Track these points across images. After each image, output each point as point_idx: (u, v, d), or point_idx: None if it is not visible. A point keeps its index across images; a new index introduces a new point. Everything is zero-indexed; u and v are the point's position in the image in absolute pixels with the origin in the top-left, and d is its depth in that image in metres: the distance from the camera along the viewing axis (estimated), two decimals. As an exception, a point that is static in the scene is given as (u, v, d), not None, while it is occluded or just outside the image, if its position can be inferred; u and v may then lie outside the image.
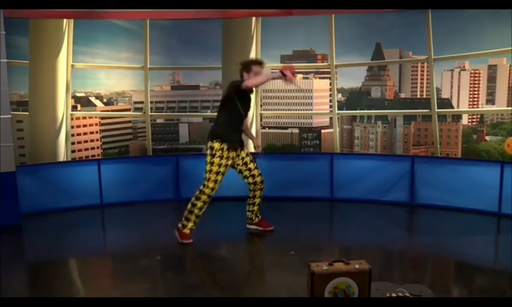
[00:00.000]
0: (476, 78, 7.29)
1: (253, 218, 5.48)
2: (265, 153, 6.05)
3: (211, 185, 4.92)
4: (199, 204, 4.98)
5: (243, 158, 5.20)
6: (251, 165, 5.24)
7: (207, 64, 7.75)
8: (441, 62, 7.09)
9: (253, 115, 7.33)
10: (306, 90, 7.96)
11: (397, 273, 4.69)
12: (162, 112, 8.07)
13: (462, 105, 7.35)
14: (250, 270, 4.95)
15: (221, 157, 4.95)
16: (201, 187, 4.98)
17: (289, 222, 5.78)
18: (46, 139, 7.29)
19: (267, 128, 7.89)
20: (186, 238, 5.06)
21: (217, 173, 4.93)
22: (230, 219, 6.25)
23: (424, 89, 7.44)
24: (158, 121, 8.18)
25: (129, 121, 8.19)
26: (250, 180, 5.26)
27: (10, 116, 5.74)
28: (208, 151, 5.00)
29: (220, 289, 4.22)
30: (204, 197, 4.96)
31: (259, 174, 5.28)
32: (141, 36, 7.39)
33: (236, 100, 4.96)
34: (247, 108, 5.13)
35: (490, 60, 7.18)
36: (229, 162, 5.04)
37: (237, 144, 5.11)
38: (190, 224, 5.05)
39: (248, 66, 5.09)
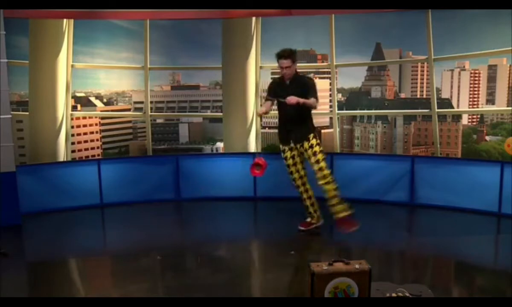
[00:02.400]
0: (476, 78, 7.28)
1: (308, 216, 5.60)
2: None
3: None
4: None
5: (302, 154, 5.35)
6: (297, 161, 5.39)
7: (207, 64, 7.74)
8: (441, 62, 7.08)
9: (253, 114, 7.34)
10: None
11: (397, 273, 4.70)
12: (162, 112, 8.07)
13: (462, 105, 7.34)
14: (250, 270, 4.95)
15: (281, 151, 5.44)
16: None
17: (289, 222, 5.78)
18: (46, 139, 7.28)
19: (267, 128, 7.87)
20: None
21: (287, 166, 5.40)
22: (230, 219, 6.25)
23: (424, 89, 7.43)
24: (158, 121, 8.17)
25: (129, 121, 8.18)
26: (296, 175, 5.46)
27: (10, 116, 5.74)
28: None
29: (220, 289, 4.21)
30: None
31: (305, 175, 5.43)
32: (141, 36, 7.38)
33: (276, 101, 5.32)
34: (283, 105, 5.22)
35: (490, 60, 7.17)
36: (285, 155, 5.37)
37: (282, 138, 5.40)
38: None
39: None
